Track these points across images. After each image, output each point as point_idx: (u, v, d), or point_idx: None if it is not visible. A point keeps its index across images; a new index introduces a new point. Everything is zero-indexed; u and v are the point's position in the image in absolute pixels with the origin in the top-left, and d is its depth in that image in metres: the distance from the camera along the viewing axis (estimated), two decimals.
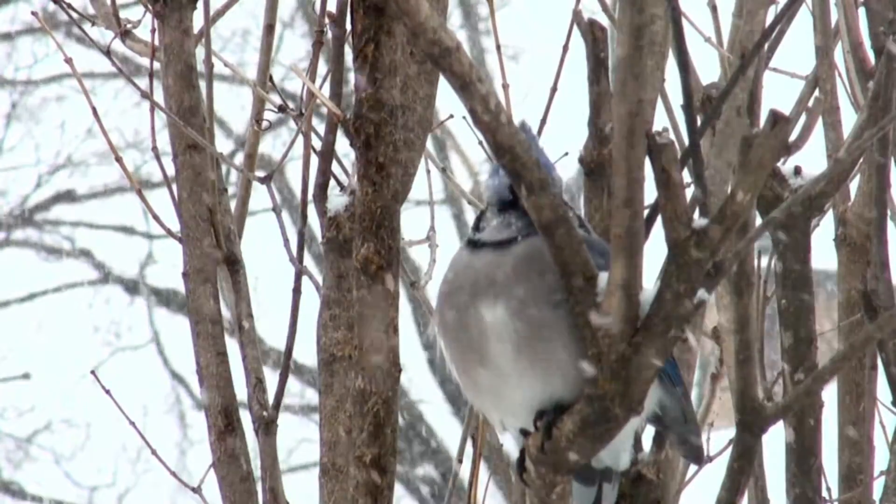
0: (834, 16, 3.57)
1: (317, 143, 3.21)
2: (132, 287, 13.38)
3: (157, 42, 3.41)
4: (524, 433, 2.40)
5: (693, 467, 3.46)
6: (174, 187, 3.38)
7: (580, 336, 2.26)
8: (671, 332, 2.19)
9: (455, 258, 2.42)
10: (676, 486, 3.28)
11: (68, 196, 13.54)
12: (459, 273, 2.39)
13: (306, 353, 3.55)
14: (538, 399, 2.35)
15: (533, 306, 2.31)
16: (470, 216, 12.03)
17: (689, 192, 2.33)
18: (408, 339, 11.95)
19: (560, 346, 2.31)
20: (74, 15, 3.59)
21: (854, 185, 3.52)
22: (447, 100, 2.49)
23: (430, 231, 3.71)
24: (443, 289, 2.42)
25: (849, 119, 3.50)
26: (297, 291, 3.25)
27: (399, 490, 11.67)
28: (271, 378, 3.32)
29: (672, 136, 2.18)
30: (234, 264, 3.38)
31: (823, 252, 3.39)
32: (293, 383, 11.99)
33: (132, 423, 3.55)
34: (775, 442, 3.12)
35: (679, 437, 2.50)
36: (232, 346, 3.31)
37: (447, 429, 12.38)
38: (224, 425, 3.25)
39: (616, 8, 3.60)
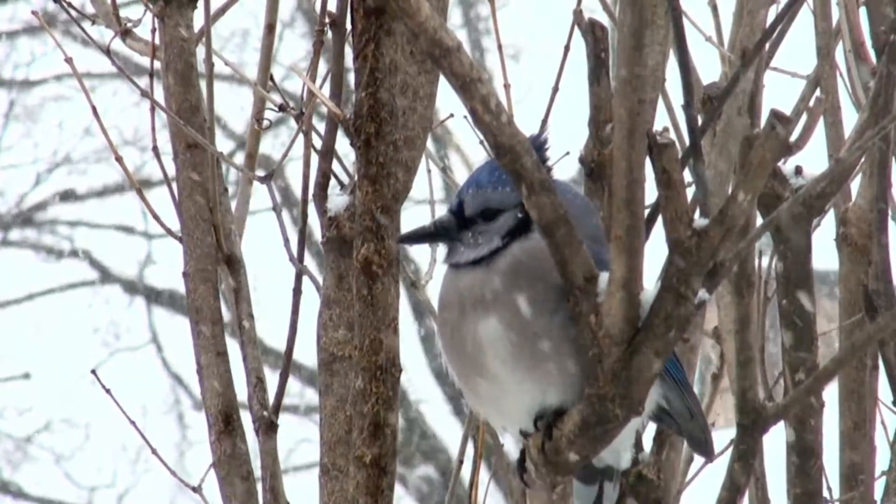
0: (835, 16, 3.56)
1: (317, 143, 3.21)
2: (131, 287, 13.36)
3: (157, 41, 3.41)
4: (524, 434, 2.40)
5: (693, 468, 3.46)
6: (174, 187, 3.38)
7: (576, 340, 2.26)
8: (672, 333, 2.18)
9: (443, 276, 2.43)
10: (677, 485, 3.28)
11: (67, 195, 13.52)
12: (448, 291, 2.40)
13: (306, 353, 3.55)
14: (537, 406, 2.35)
15: (525, 317, 2.31)
16: None
17: (690, 193, 2.32)
18: (408, 339, 11.94)
19: (555, 354, 2.31)
20: (74, 14, 3.59)
21: (855, 185, 3.52)
22: (447, 99, 2.49)
23: None
24: (438, 305, 2.43)
25: (850, 119, 3.50)
26: (297, 291, 3.24)
27: (399, 490, 11.66)
28: (271, 378, 3.31)
29: (673, 135, 2.17)
30: (234, 264, 3.38)
31: (824, 252, 3.38)
32: (293, 383, 11.98)
33: (132, 423, 3.54)
34: (776, 442, 3.12)
35: (687, 434, 2.50)
36: (232, 346, 3.31)
37: (447, 429, 12.37)
38: (224, 425, 3.25)
39: (616, 8, 3.59)
